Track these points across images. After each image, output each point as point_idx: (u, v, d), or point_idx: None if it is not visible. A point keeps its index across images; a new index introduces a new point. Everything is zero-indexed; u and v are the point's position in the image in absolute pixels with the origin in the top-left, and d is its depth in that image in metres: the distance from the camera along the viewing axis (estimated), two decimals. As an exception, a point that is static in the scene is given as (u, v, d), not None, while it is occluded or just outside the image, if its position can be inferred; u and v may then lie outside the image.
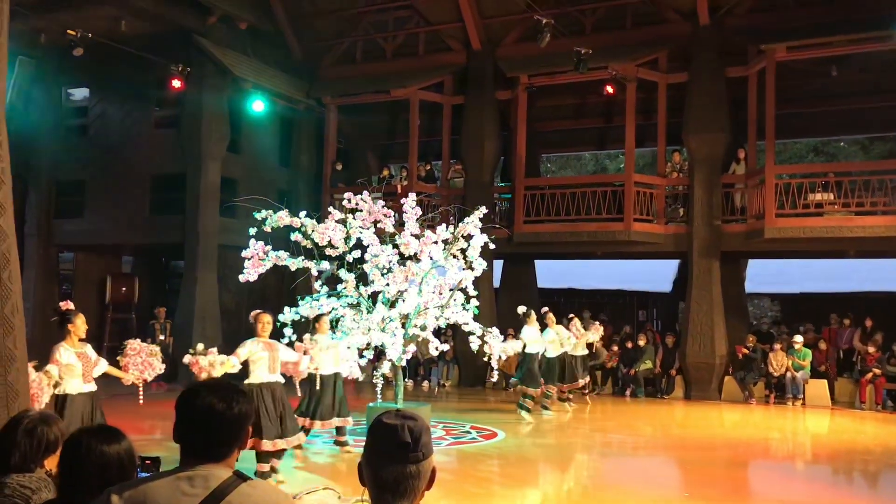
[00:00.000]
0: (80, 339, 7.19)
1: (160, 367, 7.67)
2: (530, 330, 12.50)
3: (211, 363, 7.48)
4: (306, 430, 8.98)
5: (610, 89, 15.52)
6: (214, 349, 7.76)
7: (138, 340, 7.84)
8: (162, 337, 16.06)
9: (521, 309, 12.63)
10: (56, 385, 6.83)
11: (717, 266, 15.28)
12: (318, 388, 9.09)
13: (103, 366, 7.35)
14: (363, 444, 1.97)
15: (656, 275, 21.64)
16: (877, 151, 26.18)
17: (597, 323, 14.85)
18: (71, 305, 7.28)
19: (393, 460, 1.87)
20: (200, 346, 7.73)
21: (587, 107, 18.84)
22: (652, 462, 10.06)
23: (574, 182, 17.84)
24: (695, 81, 15.37)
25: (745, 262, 18.49)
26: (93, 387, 7.09)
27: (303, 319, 10.25)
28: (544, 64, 15.78)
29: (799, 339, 15.06)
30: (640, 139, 16.79)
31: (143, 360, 7.54)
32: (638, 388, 15.65)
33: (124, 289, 18.36)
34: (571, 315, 14.17)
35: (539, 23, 13.40)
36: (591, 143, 21.51)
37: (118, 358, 7.67)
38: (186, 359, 7.57)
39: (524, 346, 12.27)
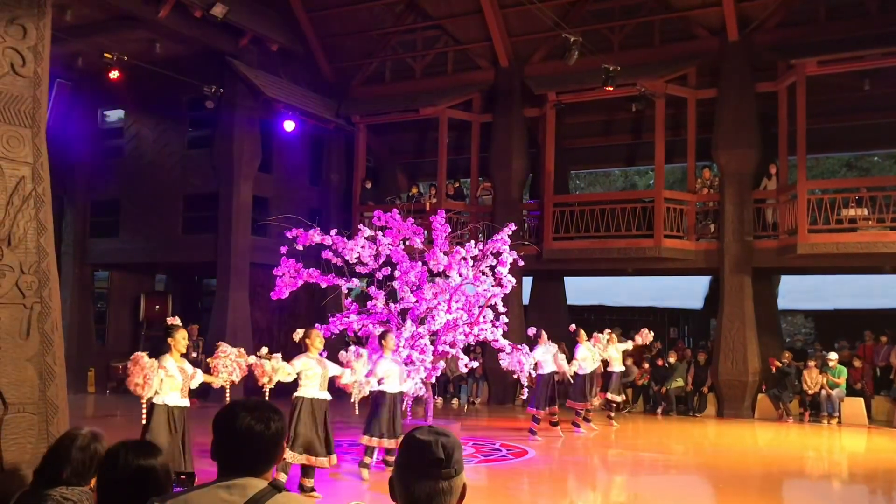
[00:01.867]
0: (181, 355, 7.40)
1: (245, 369, 7.77)
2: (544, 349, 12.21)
3: (274, 368, 7.62)
4: (370, 449, 8.91)
5: (637, 107, 15.47)
6: (278, 354, 7.87)
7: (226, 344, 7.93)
8: (194, 354, 16.22)
9: (532, 330, 12.38)
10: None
11: (748, 282, 15.13)
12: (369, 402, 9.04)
13: (200, 376, 7.53)
14: (395, 461, 2.00)
15: (687, 291, 21.47)
16: (912, 165, 25.81)
17: (644, 329, 14.16)
18: (176, 321, 7.45)
19: (426, 476, 1.88)
20: (264, 350, 7.87)
21: (616, 123, 18.82)
22: (684, 481, 9.95)
23: (603, 198, 17.80)
24: (724, 97, 15.30)
25: (778, 279, 18.28)
26: (187, 402, 7.21)
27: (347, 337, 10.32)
28: (572, 81, 15.82)
29: (833, 356, 14.83)
30: (670, 155, 16.73)
31: (233, 362, 7.62)
32: (669, 406, 15.50)
33: (158, 307, 18.60)
34: (574, 326, 13.39)
35: (567, 40, 13.43)
36: (619, 159, 21.46)
37: (208, 360, 7.81)
38: (252, 359, 7.67)
39: (535, 366, 11.67)
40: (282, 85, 16.94)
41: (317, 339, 8.07)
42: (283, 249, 10.26)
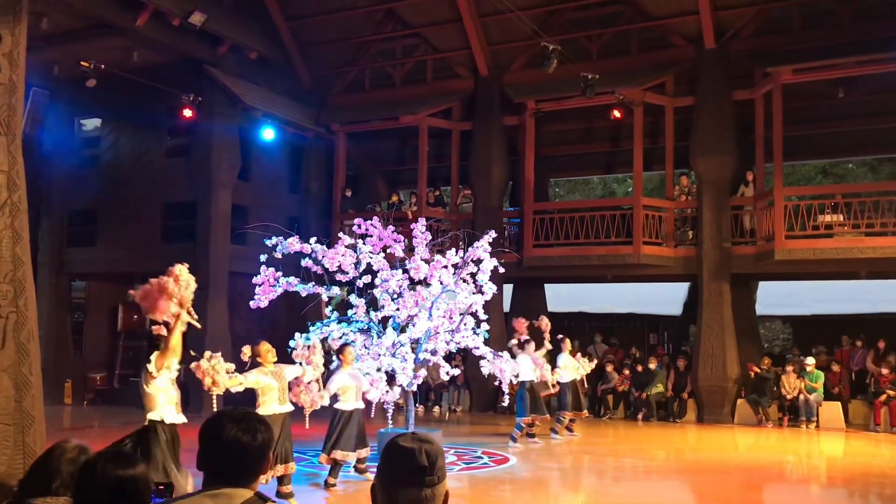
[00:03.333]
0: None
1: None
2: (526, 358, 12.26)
3: (214, 368, 7.30)
4: (335, 467, 8.88)
5: (617, 114, 15.62)
6: (219, 354, 7.55)
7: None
8: (173, 364, 16.06)
9: (524, 337, 12.49)
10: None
11: (727, 288, 15.24)
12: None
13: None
14: (375, 469, 2.00)
15: (666, 298, 21.57)
16: (886, 172, 26.14)
17: (586, 359, 14.06)
18: (163, 331, 7.06)
19: (409, 484, 1.87)
20: (208, 353, 7.56)
21: (595, 131, 18.94)
22: (665, 486, 9.98)
23: (583, 206, 17.89)
24: (701, 105, 15.44)
25: (756, 285, 18.42)
26: (183, 418, 6.96)
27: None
28: (551, 89, 15.90)
29: (811, 361, 14.97)
30: (648, 163, 16.84)
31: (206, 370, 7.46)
32: (650, 412, 15.57)
33: (136, 317, 18.42)
34: (561, 335, 13.45)
35: (545, 49, 13.51)
36: (598, 167, 21.57)
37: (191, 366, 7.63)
38: (192, 364, 7.40)
39: (517, 375, 11.69)
40: (260, 93, 16.89)
41: (268, 354, 7.92)
42: (263, 258, 10.21)
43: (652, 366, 16.06)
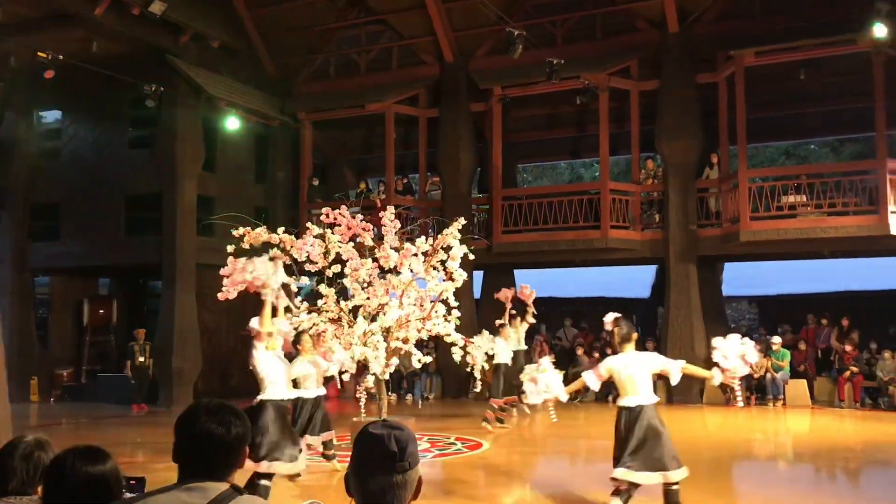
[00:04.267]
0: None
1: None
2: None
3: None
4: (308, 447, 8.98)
5: (580, 100, 15.63)
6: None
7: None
8: (142, 359, 15.92)
9: (499, 321, 12.58)
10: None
11: (694, 270, 15.42)
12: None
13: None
14: (349, 457, 1.99)
15: (635, 281, 21.80)
16: (847, 152, 26.60)
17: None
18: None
19: (380, 470, 1.88)
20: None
21: (561, 116, 18.99)
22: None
23: (551, 191, 17.98)
24: (666, 88, 15.56)
25: (722, 266, 18.66)
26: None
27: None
28: (517, 75, 15.91)
29: (777, 340, 15.22)
30: (614, 147, 16.94)
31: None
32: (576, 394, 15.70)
33: (102, 311, 18.21)
34: (512, 315, 13.11)
35: (511, 35, 13.50)
36: (565, 152, 21.66)
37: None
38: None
39: (493, 357, 11.75)
40: (224, 82, 16.69)
41: (307, 344, 8.99)
42: (230, 248, 10.10)
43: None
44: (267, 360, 7.10)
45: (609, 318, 6.75)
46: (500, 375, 12.30)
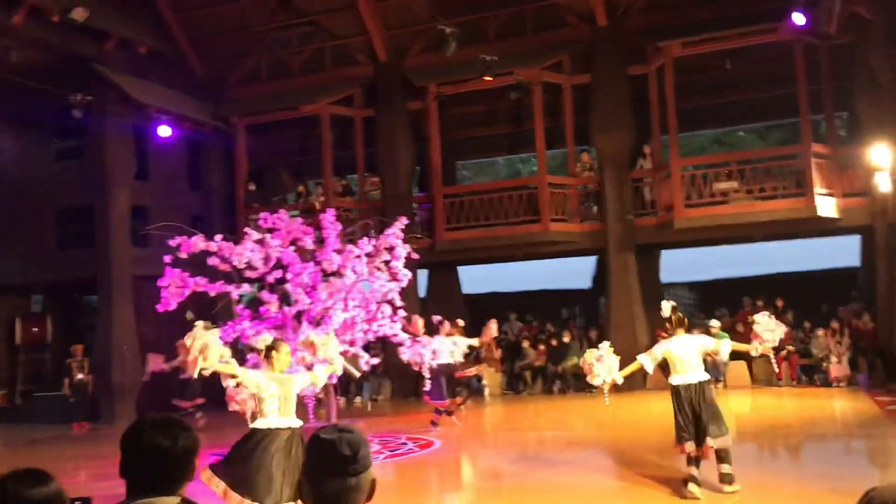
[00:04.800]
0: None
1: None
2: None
3: (201, 347, 6.08)
4: None
5: (514, 95, 15.75)
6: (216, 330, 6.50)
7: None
8: (80, 375, 15.47)
9: (437, 318, 12.39)
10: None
11: (632, 259, 15.69)
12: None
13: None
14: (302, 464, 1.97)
15: (576, 272, 22.05)
16: (773, 138, 27.33)
17: (491, 323, 13.17)
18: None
19: (333, 474, 1.86)
20: (201, 323, 6.43)
21: (497, 112, 19.11)
22: (586, 455, 10.23)
23: (490, 187, 18.06)
24: (598, 82, 15.79)
25: (659, 254, 19.02)
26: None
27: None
28: (452, 72, 15.95)
29: (716, 323, 15.57)
30: (550, 141, 17.12)
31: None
32: (566, 385, 15.90)
33: (35, 329, 17.65)
34: (439, 318, 12.71)
35: (443, 32, 13.54)
36: (503, 148, 21.82)
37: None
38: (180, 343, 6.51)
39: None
40: (153, 89, 16.34)
41: (284, 357, 6.35)
42: (167, 259, 9.92)
43: (566, 339, 16.40)
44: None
45: (666, 305, 7.58)
46: (441, 376, 11.80)
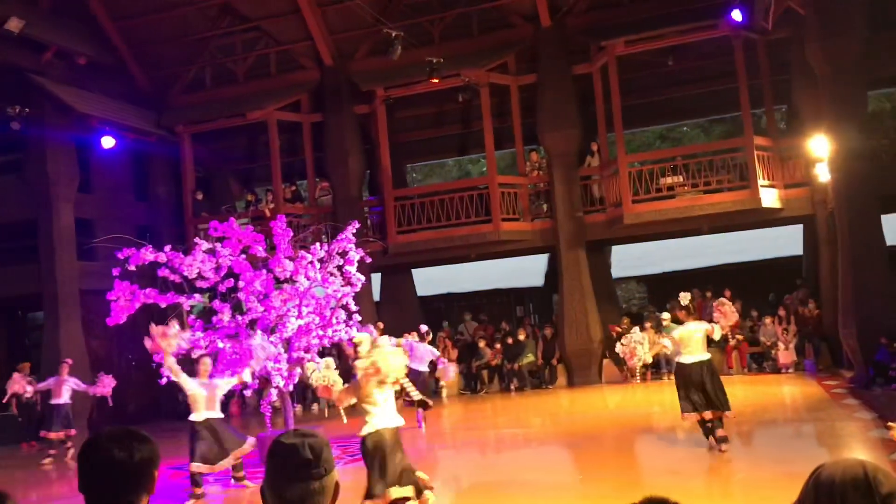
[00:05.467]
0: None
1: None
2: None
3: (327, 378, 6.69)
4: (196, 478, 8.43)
5: (463, 97, 15.85)
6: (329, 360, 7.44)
7: None
8: (28, 394, 15.05)
9: (424, 328, 12.61)
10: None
11: (583, 256, 15.88)
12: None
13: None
14: (258, 476, 1.97)
15: (528, 271, 22.25)
16: (716, 132, 27.94)
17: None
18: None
19: (296, 479, 1.87)
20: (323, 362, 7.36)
21: (446, 114, 19.17)
22: (545, 451, 10.33)
23: (441, 189, 18.12)
24: (544, 82, 15.94)
25: (610, 249, 19.31)
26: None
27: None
28: (399, 75, 15.95)
29: (666, 316, 15.77)
30: (499, 141, 17.25)
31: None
32: (523, 382, 16.02)
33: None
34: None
35: (389, 35, 13.53)
36: (452, 149, 21.88)
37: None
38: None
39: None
40: (94, 99, 16.02)
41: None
42: (116, 272, 9.73)
43: (521, 337, 16.52)
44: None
45: (685, 296, 8.93)
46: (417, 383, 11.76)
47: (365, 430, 6.23)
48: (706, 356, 8.56)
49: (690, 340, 8.50)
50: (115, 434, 2.09)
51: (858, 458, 1.67)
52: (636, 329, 8.75)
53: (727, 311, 8.66)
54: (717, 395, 8.44)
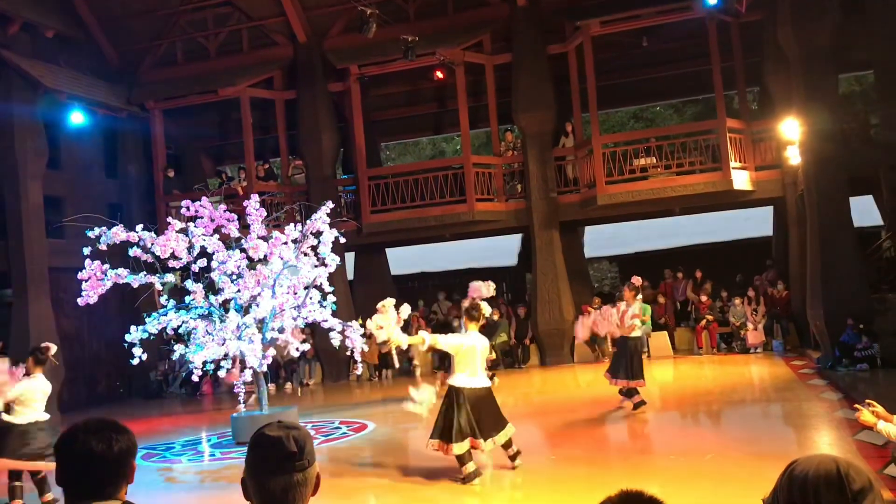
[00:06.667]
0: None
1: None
2: None
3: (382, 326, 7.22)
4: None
5: (440, 75, 15.81)
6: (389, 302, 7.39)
7: None
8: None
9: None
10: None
11: (557, 236, 15.97)
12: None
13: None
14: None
15: (502, 250, 22.31)
16: (689, 113, 28.12)
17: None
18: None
19: (280, 471, 1.89)
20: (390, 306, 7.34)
21: (420, 93, 19.09)
22: (518, 431, 10.41)
23: (416, 168, 18.08)
24: (519, 61, 15.91)
25: (583, 230, 19.42)
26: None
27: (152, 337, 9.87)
28: (373, 53, 15.84)
29: (638, 296, 15.98)
30: (474, 121, 17.22)
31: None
32: (496, 361, 16.10)
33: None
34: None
35: (363, 13, 13.41)
36: (427, 128, 21.82)
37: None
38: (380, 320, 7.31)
39: None
40: (63, 74, 15.72)
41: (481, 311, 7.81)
42: (86, 251, 9.63)
43: (494, 317, 16.53)
44: None
45: (636, 279, 10.67)
46: None
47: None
48: (638, 334, 10.36)
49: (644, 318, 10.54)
50: (91, 426, 2.09)
51: (831, 454, 1.71)
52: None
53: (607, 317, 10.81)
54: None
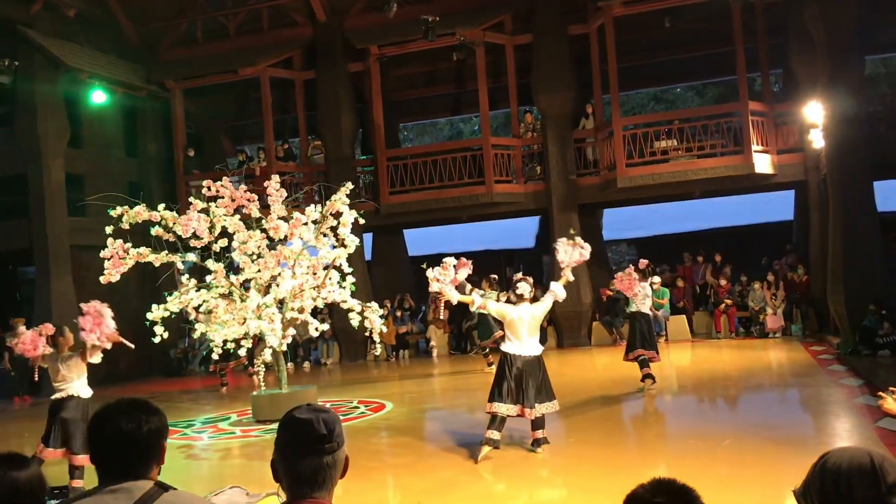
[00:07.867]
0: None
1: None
2: None
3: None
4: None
5: (455, 56, 15.70)
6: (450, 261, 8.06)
7: None
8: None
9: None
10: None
11: (575, 218, 15.91)
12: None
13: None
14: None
15: (520, 232, 22.27)
16: (710, 95, 27.85)
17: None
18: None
19: (310, 453, 1.91)
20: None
21: (440, 73, 19.00)
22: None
23: (434, 150, 18.03)
24: (539, 42, 15.80)
25: (602, 212, 19.32)
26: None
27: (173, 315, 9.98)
28: (393, 33, 15.78)
29: (657, 279, 15.89)
30: (493, 102, 17.13)
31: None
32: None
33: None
34: None
35: (384, -7, 13.35)
36: (446, 109, 21.74)
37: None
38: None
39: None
40: (84, 53, 15.79)
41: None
42: (109, 230, 9.71)
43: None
44: None
45: (642, 262, 11.72)
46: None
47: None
48: (646, 310, 11.05)
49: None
50: (123, 406, 2.13)
51: (864, 447, 1.71)
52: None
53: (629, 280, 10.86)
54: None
